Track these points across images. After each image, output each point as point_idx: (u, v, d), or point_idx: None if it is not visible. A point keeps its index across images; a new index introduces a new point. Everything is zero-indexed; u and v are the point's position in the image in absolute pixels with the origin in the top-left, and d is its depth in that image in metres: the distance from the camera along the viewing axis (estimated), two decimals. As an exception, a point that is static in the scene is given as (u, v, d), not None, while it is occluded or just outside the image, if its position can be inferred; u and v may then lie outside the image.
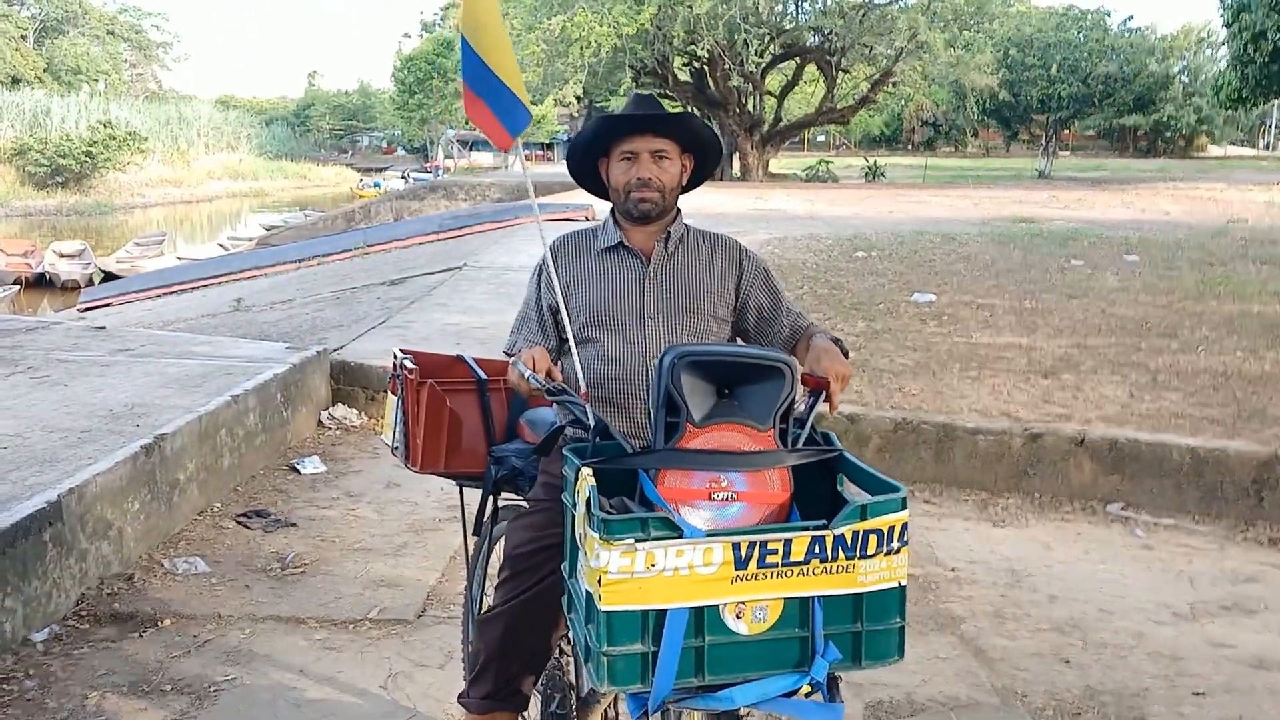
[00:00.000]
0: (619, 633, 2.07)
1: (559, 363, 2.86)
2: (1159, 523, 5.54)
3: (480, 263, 12.58)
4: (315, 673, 3.91)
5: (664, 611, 2.07)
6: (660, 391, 2.28)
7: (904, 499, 2.15)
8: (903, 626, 2.16)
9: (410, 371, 3.22)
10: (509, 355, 2.91)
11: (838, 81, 34.48)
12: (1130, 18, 66.69)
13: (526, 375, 2.53)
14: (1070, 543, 5.32)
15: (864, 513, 2.12)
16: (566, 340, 2.79)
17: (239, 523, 5.31)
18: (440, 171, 56.21)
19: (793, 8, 33.50)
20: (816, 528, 2.11)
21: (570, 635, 2.84)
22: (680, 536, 2.07)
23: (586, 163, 2.93)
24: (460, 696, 2.90)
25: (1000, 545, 5.29)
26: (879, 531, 2.12)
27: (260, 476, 5.97)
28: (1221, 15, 40.97)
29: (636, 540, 2.06)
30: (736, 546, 2.07)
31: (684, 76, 34.60)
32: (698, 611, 2.08)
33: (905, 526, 2.14)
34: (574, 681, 2.88)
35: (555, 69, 33.54)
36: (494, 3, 2.79)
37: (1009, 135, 61.95)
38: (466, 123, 59.52)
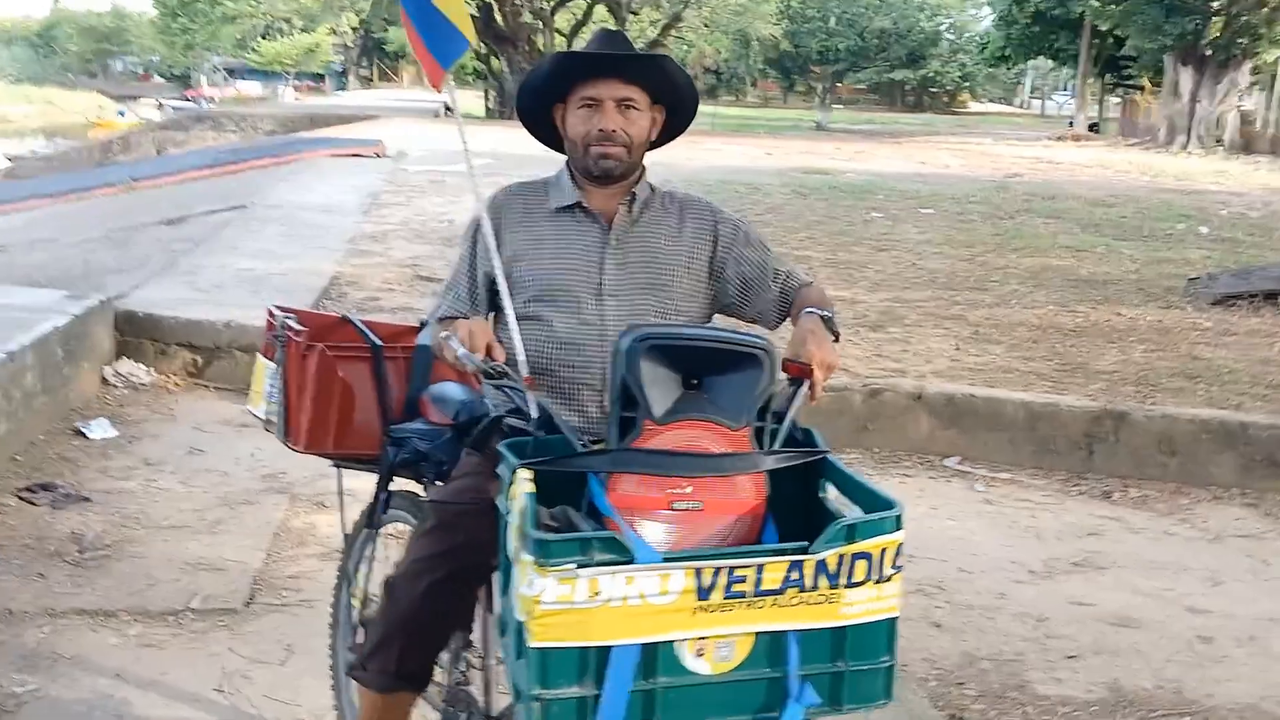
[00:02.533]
0: (554, 673, 1.72)
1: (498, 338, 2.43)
2: (996, 476, 5.58)
3: (268, 201, 11.75)
4: (135, 675, 3.41)
5: (609, 649, 1.72)
6: (616, 381, 1.93)
7: (899, 517, 1.84)
8: (892, 665, 1.87)
9: (296, 333, 2.76)
10: (437, 325, 2.49)
11: (627, 24, 34.23)
12: (903, -26, 68.84)
13: (460, 354, 2.14)
14: (916, 499, 5.27)
15: (851, 534, 1.80)
16: (505, 314, 2.36)
17: (22, 498, 4.65)
18: (205, 101, 52.99)
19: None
20: (795, 551, 1.78)
21: (478, 630, 2.51)
22: (631, 560, 1.72)
23: (539, 108, 2.49)
24: (353, 669, 2.52)
25: (849, 505, 5.19)
26: (868, 556, 1.81)
27: (42, 443, 5.28)
28: (988, -24, 42.93)
29: (579, 565, 1.70)
30: (699, 573, 1.73)
31: (472, 10, 33.61)
32: (650, 648, 1.74)
33: (900, 549, 1.83)
34: (483, 700, 2.52)
35: (334, -2, 32.04)
36: None
37: (787, 86, 63.34)
38: (234, 48, 56.36)
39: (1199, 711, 3.53)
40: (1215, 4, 27.84)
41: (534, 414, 2.12)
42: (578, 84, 2.39)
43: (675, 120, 2.53)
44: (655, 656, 1.75)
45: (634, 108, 2.39)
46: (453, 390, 2.63)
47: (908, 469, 5.65)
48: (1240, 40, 28.06)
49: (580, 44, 39.32)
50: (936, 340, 6.85)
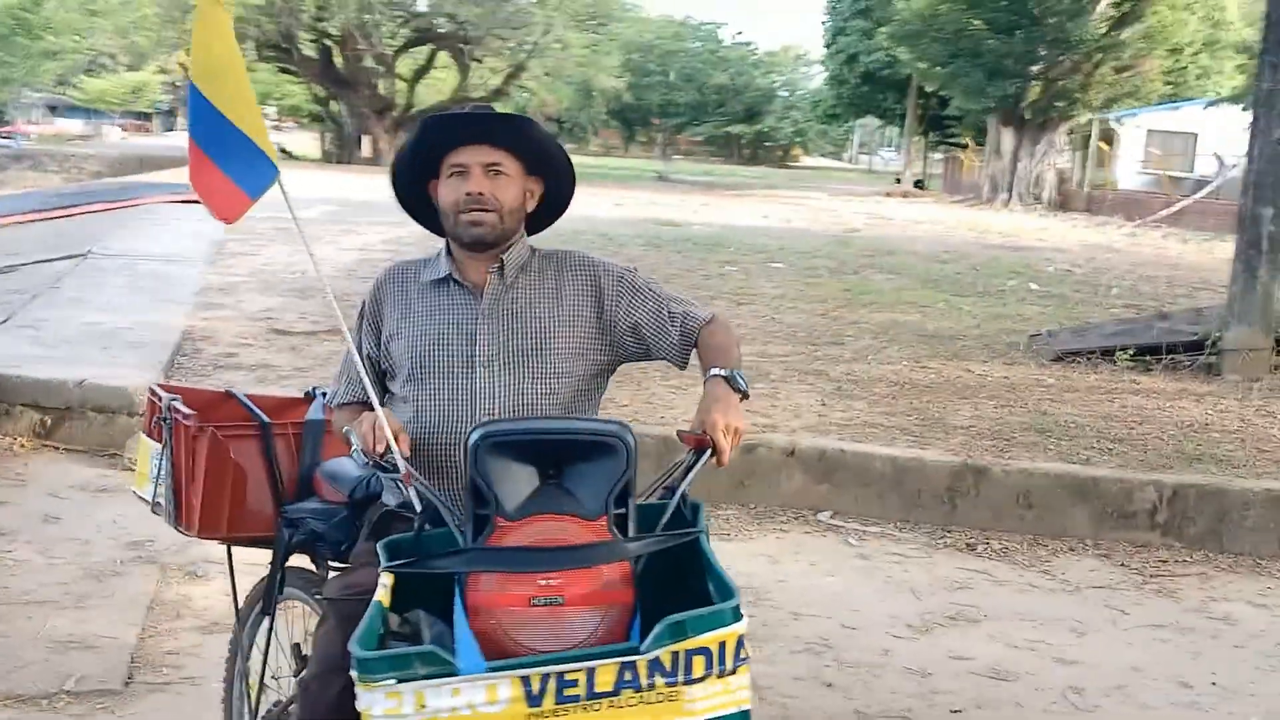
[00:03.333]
0: None
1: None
2: (867, 530, 5.74)
3: (109, 250, 11.30)
4: (10, 768, 3.21)
5: None
6: (466, 479, 1.93)
7: (736, 608, 1.83)
8: None
9: (184, 416, 2.65)
10: (338, 411, 2.46)
11: (470, 71, 34.26)
12: (740, 32, 71.02)
13: (354, 451, 2.10)
14: (794, 555, 5.39)
15: (682, 630, 1.78)
16: (391, 394, 2.33)
17: None
18: (21, 138, 50.55)
19: (427, -7, 32.95)
20: (625, 652, 1.78)
21: None
22: (454, 672, 1.73)
23: (415, 189, 2.47)
24: None
25: (731, 561, 5.26)
26: (706, 650, 1.78)
27: (-120, 513, 4.94)
28: (822, 37, 44.67)
29: (400, 680, 1.71)
30: (526, 681, 1.73)
31: (310, 52, 33.11)
32: None
33: (741, 641, 1.82)
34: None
35: (167, 35, 31.13)
36: (230, 41, 2.24)
37: (628, 136, 64.30)
38: (54, 85, 54.03)
39: (1079, 761, 3.69)
40: (1034, 69, 29.52)
41: (417, 507, 2.08)
42: (446, 155, 2.39)
43: (555, 195, 2.54)
44: None
45: (502, 173, 2.39)
46: (346, 466, 2.57)
47: (783, 524, 5.77)
48: (1057, 103, 29.82)
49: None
50: (802, 395, 7.02)
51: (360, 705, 1.74)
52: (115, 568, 4.66)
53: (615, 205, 21.09)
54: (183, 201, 16.26)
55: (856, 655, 4.34)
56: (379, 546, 1.99)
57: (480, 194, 2.36)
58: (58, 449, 6.09)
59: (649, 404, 6.65)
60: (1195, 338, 8.28)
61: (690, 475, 2.07)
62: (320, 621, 2.35)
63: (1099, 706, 4.07)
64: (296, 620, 2.84)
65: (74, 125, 62.01)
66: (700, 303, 2.60)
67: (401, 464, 2.08)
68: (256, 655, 2.88)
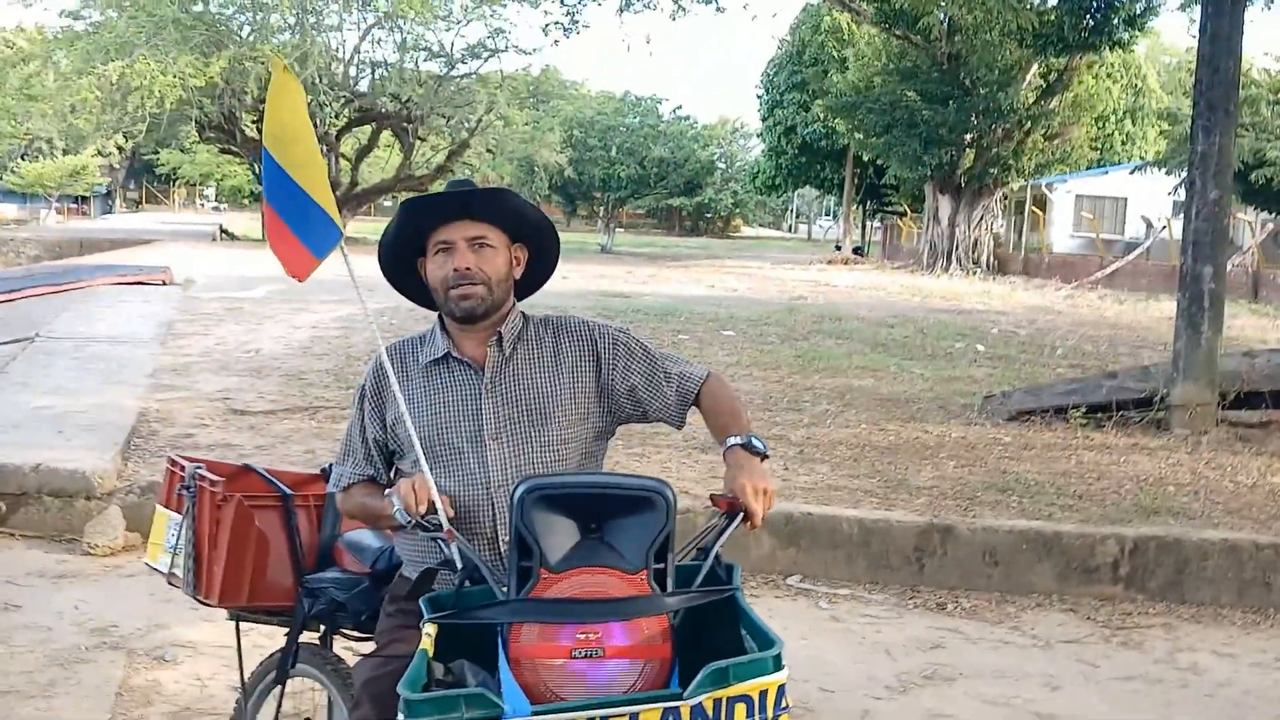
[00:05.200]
0: None
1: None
2: (836, 593, 5.76)
3: (54, 332, 11.14)
4: None
5: None
6: (512, 531, 1.97)
7: (778, 657, 1.87)
8: None
9: (211, 484, 2.66)
10: (342, 494, 2.48)
11: (413, 150, 34.43)
12: (679, 107, 72.04)
13: (396, 510, 2.12)
14: (766, 620, 5.37)
15: (725, 677, 1.82)
16: (419, 464, 2.34)
17: None
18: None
19: (369, 73, 33.15)
20: (668, 697, 1.82)
21: None
22: (500, 715, 1.76)
23: (402, 268, 2.51)
24: None
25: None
26: (747, 698, 1.82)
27: None
28: (758, 110, 45.49)
29: None
30: None
31: (252, 133, 33.11)
32: None
33: (782, 690, 1.86)
34: None
35: (106, 118, 31.00)
36: (301, 109, 2.33)
37: (570, 210, 64.81)
38: (-7, 170, 53.43)
39: (1064, 815, 3.70)
40: (968, 137, 30.27)
41: (458, 564, 2.10)
42: (430, 233, 2.43)
43: (540, 260, 2.59)
44: None
45: (488, 245, 2.43)
46: (368, 538, 2.60)
47: (754, 589, 5.76)
48: (991, 170, 30.55)
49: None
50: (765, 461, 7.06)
51: None
52: (80, 654, 4.55)
53: (563, 278, 21.09)
54: (127, 283, 16.12)
55: (837, 718, 4.33)
56: (421, 602, 2.00)
57: (467, 268, 2.39)
58: (13, 535, 5.96)
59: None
60: (1144, 394, 8.46)
61: (723, 537, 2.11)
62: (355, 705, 2.33)
63: (1079, 760, 4.10)
64: (303, 695, 2.82)
65: (9, 209, 61.24)
66: (694, 362, 2.63)
67: (444, 521, 2.11)
68: None
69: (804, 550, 5.97)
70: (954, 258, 31.18)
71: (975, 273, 30.20)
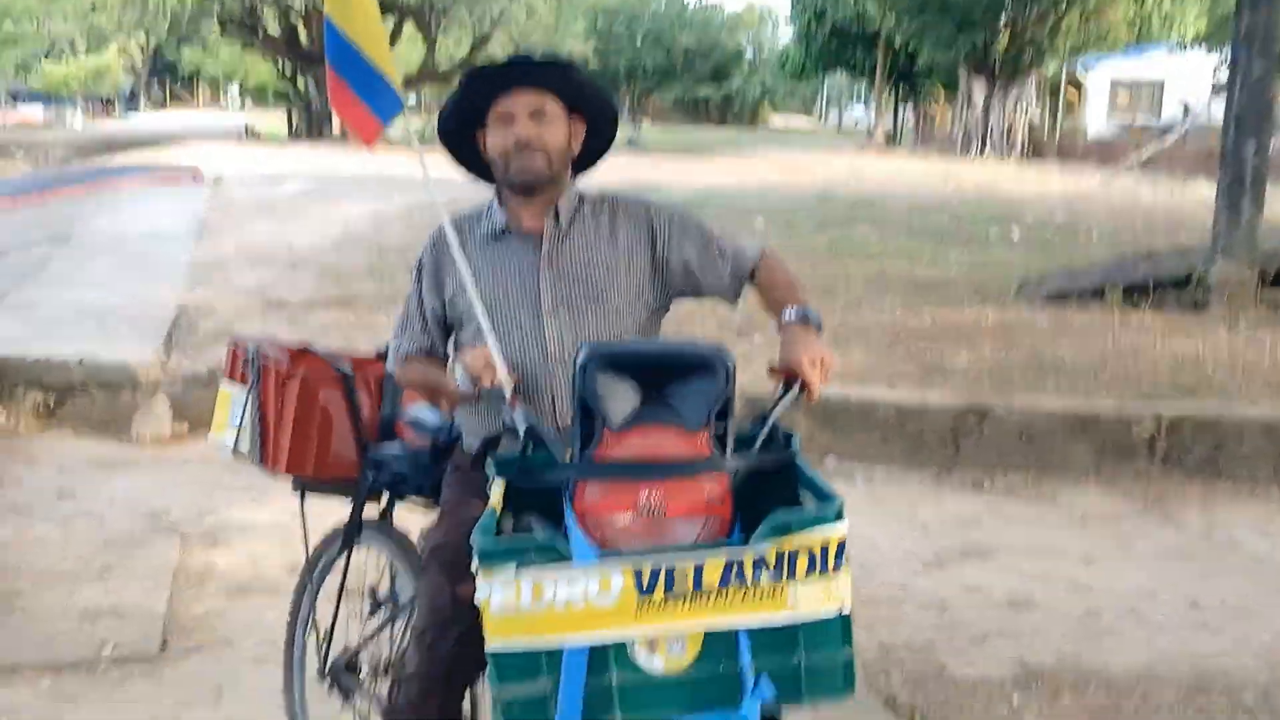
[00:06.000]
0: (510, 673, 1.81)
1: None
2: (873, 474, 5.82)
3: (90, 231, 11.22)
4: (60, 731, 3.25)
5: (560, 649, 1.81)
6: (575, 396, 1.99)
7: (839, 509, 1.89)
8: (850, 659, 1.91)
9: (276, 360, 2.71)
10: (401, 366, 2.52)
11: (435, 44, 33.97)
12: (707, -8, 70.52)
13: (460, 379, 2.16)
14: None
15: (787, 528, 1.84)
16: (480, 335, 2.36)
17: (-114, 556, 4.35)
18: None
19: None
20: (732, 547, 1.85)
21: None
22: (569, 562, 1.81)
23: (462, 139, 2.50)
24: (389, 717, 2.46)
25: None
26: (809, 550, 1.85)
27: (-106, 496, 4.94)
28: (788, -6, 44.45)
29: (518, 568, 1.79)
30: (638, 573, 1.80)
31: (275, 29, 32.75)
32: (601, 647, 1.81)
33: (843, 544, 1.88)
34: (472, 715, 2.52)
35: (127, 16, 30.72)
36: None
37: (595, 102, 63.95)
38: (16, 72, 53.27)
39: (1101, 682, 3.77)
40: (1002, 19, 29.54)
41: (522, 430, 2.14)
42: (491, 105, 2.42)
43: (597, 136, 2.56)
44: (607, 655, 1.82)
45: (547, 116, 2.41)
46: (428, 413, 2.65)
47: (790, 471, 5.83)
48: (1026, 52, 29.85)
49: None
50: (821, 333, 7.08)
51: (479, 595, 1.81)
52: (135, 538, 4.68)
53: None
54: (157, 182, 16.15)
55: (876, 591, 4.41)
56: (488, 463, 2.05)
57: (528, 138, 2.39)
58: (63, 427, 6.09)
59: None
60: (1182, 274, 8.38)
61: (780, 406, 2.11)
62: (422, 570, 2.40)
63: (1115, 629, 4.16)
64: (366, 569, 2.90)
65: (35, 112, 61.19)
66: (750, 238, 2.62)
67: (508, 390, 2.14)
68: (322, 602, 2.93)
69: (840, 432, 6.00)
70: (988, 143, 30.70)
71: (1009, 158, 29.74)
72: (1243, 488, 5.70)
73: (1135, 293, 8.35)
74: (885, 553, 4.79)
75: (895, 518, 5.24)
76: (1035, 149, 31.95)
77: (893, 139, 42.35)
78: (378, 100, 2.35)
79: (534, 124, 2.40)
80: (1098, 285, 8.40)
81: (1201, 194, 18.48)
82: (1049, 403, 6.00)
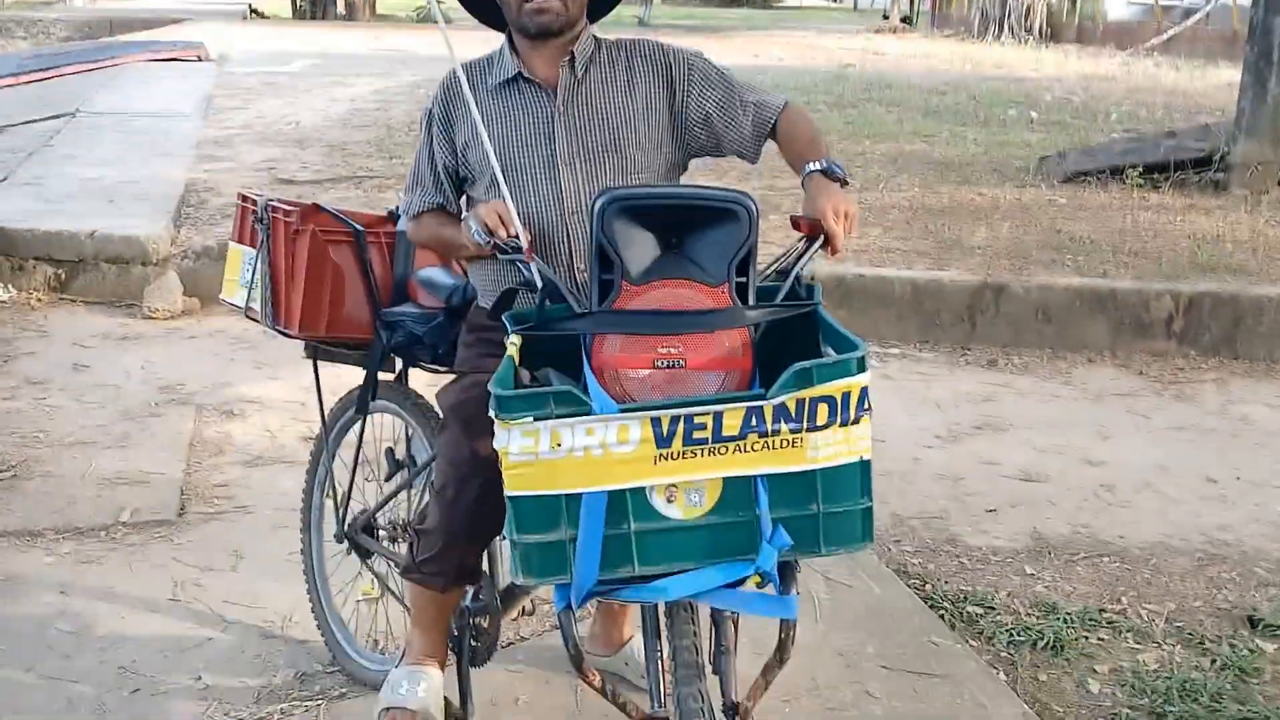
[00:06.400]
0: (528, 520, 1.81)
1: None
2: (888, 352, 5.79)
3: (95, 108, 11.02)
4: (81, 589, 3.30)
5: (579, 496, 1.79)
6: (593, 244, 1.94)
7: (862, 359, 1.85)
8: (869, 507, 1.89)
9: (286, 215, 2.66)
10: (412, 221, 2.48)
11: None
12: None
13: (474, 233, 2.11)
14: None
15: (808, 377, 1.80)
16: (494, 189, 2.29)
17: (-97, 424, 4.37)
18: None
19: None
20: (751, 397, 1.81)
21: None
22: (589, 412, 1.78)
23: None
24: (408, 572, 2.46)
25: (756, 384, 5.33)
26: (830, 399, 1.81)
27: (-91, 367, 4.95)
28: None
29: (536, 418, 1.77)
30: (656, 422, 1.78)
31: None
32: (619, 496, 1.80)
33: (865, 392, 1.85)
34: (493, 570, 2.53)
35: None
36: None
37: (605, -19, 62.50)
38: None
39: (1114, 551, 3.80)
40: (1024, -105, 28.61)
41: (538, 284, 2.10)
42: None
43: None
44: (625, 503, 1.81)
45: None
46: (441, 275, 2.61)
47: (804, 349, 5.80)
48: (1047, -69, 28.97)
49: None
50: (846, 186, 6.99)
51: (497, 443, 1.80)
52: (151, 409, 4.69)
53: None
54: (162, 59, 15.86)
55: (888, 465, 4.41)
56: (504, 318, 2.02)
57: None
58: (75, 301, 6.07)
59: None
60: (1203, 154, 8.22)
61: (804, 259, 2.07)
62: (441, 428, 2.38)
63: (1130, 501, 4.18)
64: (382, 432, 2.90)
65: (34, -9, 59.85)
66: (773, 91, 2.53)
67: (523, 242, 2.09)
68: (339, 466, 2.93)
69: (855, 310, 5.95)
70: (1006, 25, 29.92)
71: (1028, 40, 29.02)
72: (1259, 366, 5.68)
73: (1155, 172, 8.20)
74: (898, 428, 4.79)
75: (910, 394, 5.23)
76: (1054, 31, 31.13)
77: (909, 20, 41.36)
78: None
79: None
80: (1117, 164, 8.24)
81: (1223, 75, 18.08)
82: (1066, 280, 5.94)
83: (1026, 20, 30.53)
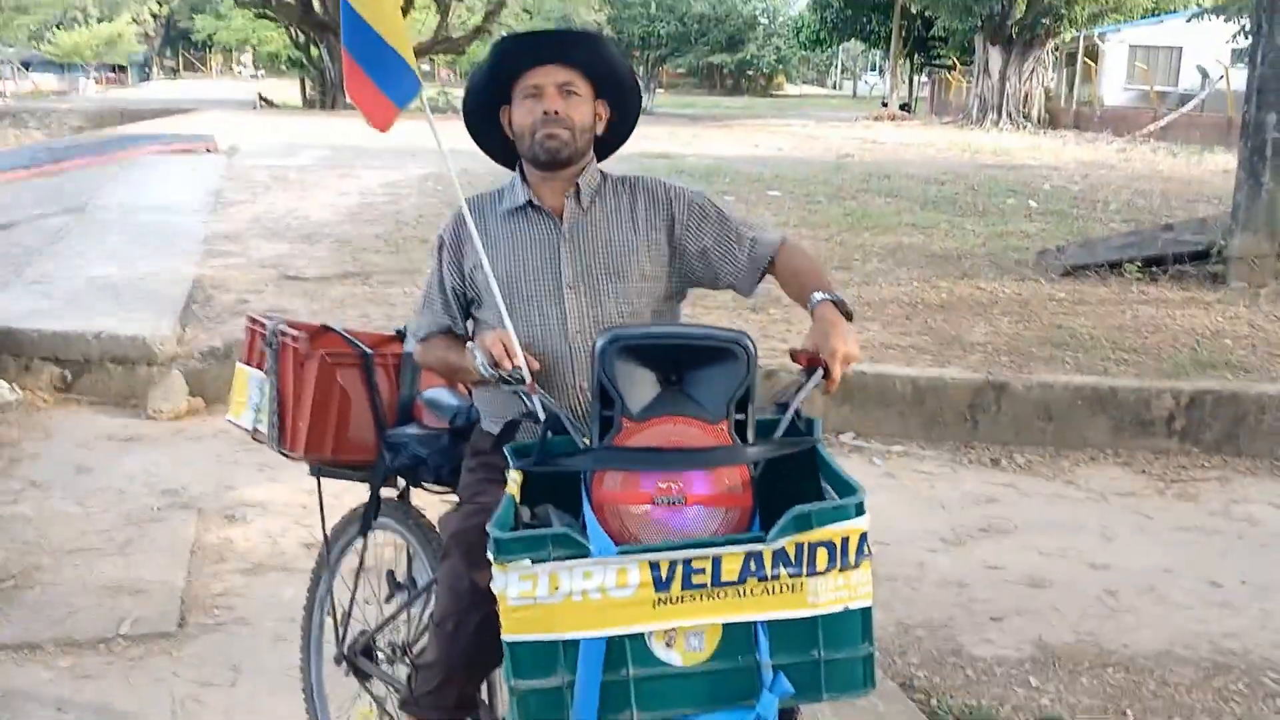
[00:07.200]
0: (527, 665, 1.80)
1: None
2: (890, 450, 5.80)
3: (105, 202, 11.20)
4: (79, 706, 3.27)
5: (578, 641, 1.79)
6: (594, 381, 1.97)
7: (860, 504, 1.86)
8: (871, 654, 1.88)
9: (295, 340, 2.70)
10: (419, 344, 2.51)
11: (451, 10, 33.80)
12: (719, -40, 69.99)
13: (479, 364, 2.14)
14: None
15: (807, 521, 1.81)
16: (499, 316, 2.34)
17: (-94, 532, 4.37)
18: (-4, 96, 49.77)
19: (404, -69, 32.35)
20: (750, 541, 1.82)
21: None
22: (586, 555, 1.79)
23: (487, 115, 2.49)
24: (406, 704, 2.46)
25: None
26: (829, 544, 1.81)
27: (-86, 471, 4.96)
28: (803, -39, 43.99)
29: (534, 561, 1.77)
30: (655, 566, 1.78)
31: (288, -1, 32.61)
32: (618, 640, 1.79)
33: (864, 537, 1.85)
34: (492, 700, 2.52)
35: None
36: None
37: (609, 70, 63.68)
38: (29, 39, 53.21)
39: (1119, 661, 3.76)
40: (1020, -14, 29.22)
41: (541, 416, 2.13)
42: (519, 77, 2.41)
43: (621, 120, 2.56)
44: (624, 648, 1.80)
45: (575, 93, 2.41)
46: (447, 395, 2.64)
47: (806, 447, 5.81)
48: (1043, 20, 29.54)
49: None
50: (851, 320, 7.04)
51: (495, 586, 1.80)
52: (153, 514, 4.69)
53: (606, 140, 20.91)
54: (172, 152, 16.12)
55: (893, 569, 4.40)
56: (506, 450, 2.04)
57: (556, 112, 2.38)
58: (79, 401, 6.11)
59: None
60: (1201, 247, 8.31)
61: (804, 392, 2.08)
62: (443, 556, 2.39)
63: (1134, 608, 4.15)
64: (384, 551, 2.90)
65: (48, 80, 61.11)
66: (770, 227, 2.60)
67: (527, 374, 2.13)
68: (340, 585, 2.93)
69: (858, 408, 5.98)
70: (1004, 112, 30.42)
71: (1026, 127, 29.48)
72: (1262, 464, 5.67)
73: (1154, 265, 8.29)
74: (902, 530, 4.78)
75: (912, 495, 5.22)
76: (1052, 117, 31.67)
77: (907, 108, 42.01)
78: (394, 83, 2.31)
79: (562, 99, 2.40)
80: (1116, 258, 8.33)
81: (1220, 161, 18.32)
82: (1067, 378, 5.96)
83: (1024, 107, 31.02)
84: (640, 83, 2.75)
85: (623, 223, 2.47)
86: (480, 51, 52.79)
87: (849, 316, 2.21)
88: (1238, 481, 5.46)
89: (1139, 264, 8.23)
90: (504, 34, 2.54)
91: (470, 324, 2.53)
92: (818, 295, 2.24)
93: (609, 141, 2.56)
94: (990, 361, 6.22)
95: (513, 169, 2.53)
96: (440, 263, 2.52)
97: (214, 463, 5.29)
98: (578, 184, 2.46)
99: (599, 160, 2.54)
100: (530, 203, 2.46)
